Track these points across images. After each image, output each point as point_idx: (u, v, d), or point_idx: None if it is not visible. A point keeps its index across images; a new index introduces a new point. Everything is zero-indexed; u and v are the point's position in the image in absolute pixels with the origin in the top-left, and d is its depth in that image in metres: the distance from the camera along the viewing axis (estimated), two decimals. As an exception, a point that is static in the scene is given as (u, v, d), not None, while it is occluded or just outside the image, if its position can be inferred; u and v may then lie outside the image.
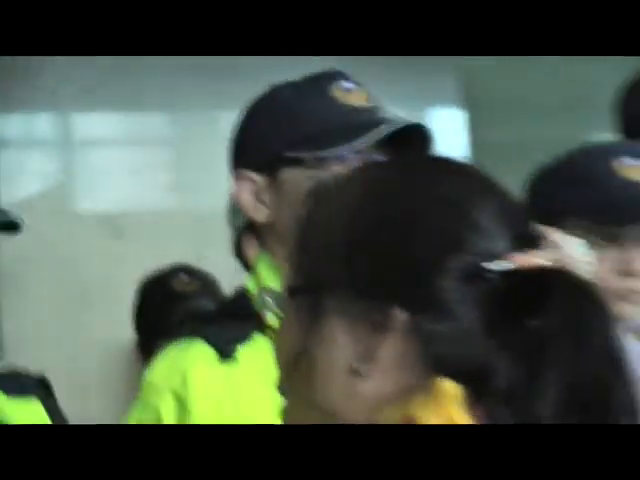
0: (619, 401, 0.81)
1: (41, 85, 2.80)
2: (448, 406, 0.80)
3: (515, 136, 3.12)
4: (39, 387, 1.35)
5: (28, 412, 1.30)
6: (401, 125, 1.25)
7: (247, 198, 1.35)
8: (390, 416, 0.82)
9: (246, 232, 1.45)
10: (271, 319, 1.30)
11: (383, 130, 1.25)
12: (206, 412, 1.29)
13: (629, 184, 1.35)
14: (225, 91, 2.78)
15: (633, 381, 0.83)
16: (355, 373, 0.80)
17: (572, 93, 2.82)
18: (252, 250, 1.60)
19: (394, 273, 0.80)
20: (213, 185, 2.61)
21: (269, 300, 1.38)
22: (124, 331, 2.32)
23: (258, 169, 1.34)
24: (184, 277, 2.31)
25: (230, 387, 1.31)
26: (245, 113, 1.43)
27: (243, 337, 1.30)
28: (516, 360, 0.79)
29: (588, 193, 1.32)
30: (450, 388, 0.80)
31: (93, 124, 2.94)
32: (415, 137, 1.28)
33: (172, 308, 2.23)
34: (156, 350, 1.89)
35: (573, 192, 1.29)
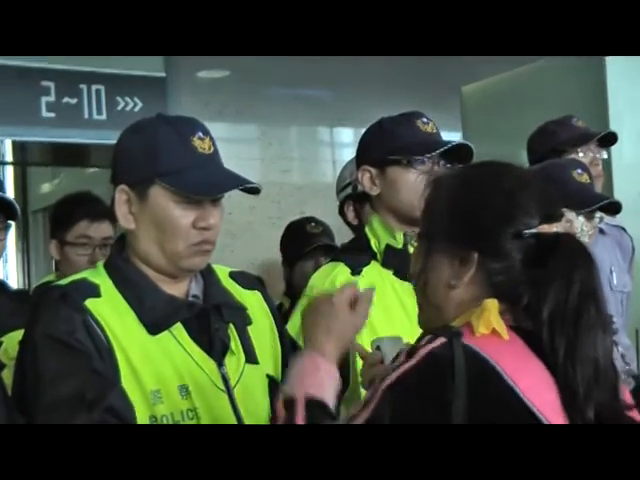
0: (592, 315, 1.41)
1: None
2: (490, 316, 1.42)
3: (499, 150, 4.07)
4: (259, 283, 2.08)
5: (255, 299, 2.02)
6: (456, 143, 2.40)
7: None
8: (459, 323, 1.45)
9: (347, 200, 2.62)
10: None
11: (446, 146, 2.36)
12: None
13: (580, 184, 2.57)
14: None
15: (605, 306, 1.44)
16: (450, 286, 1.49)
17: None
18: (351, 213, 2.74)
19: (474, 232, 1.47)
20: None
21: (412, 241, 2.23)
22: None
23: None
24: (313, 224, 3.80)
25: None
26: None
27: (366, 262, 2.40)
28: (536, 286, 1.43)
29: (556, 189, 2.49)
30: (491, 303, 1.42)
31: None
32: (460, 149, 2.37)
33: (305, 242, 3.74)
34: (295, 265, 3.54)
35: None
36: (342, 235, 3.49)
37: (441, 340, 1.39)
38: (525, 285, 1.45)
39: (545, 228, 1.47)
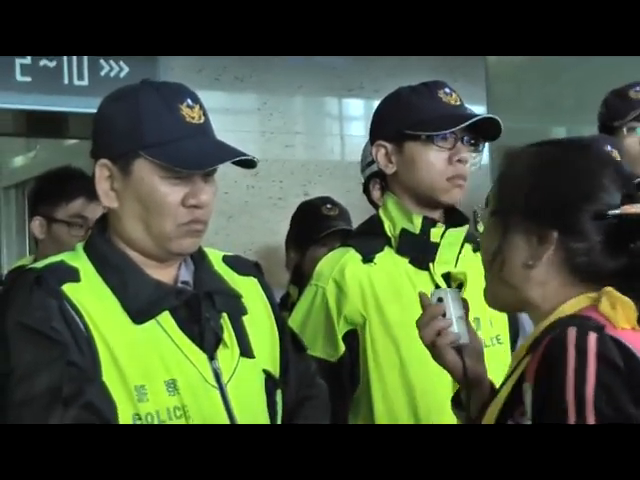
0: None
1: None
2: (628, 309, 1.52)
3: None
4: (255, 269, 2.12)
5: (250, 286, 2.05)
6: (482, 117, 2.44)
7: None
8: (572, 307, 1.57)
9: (373, 178, 2.68)
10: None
11: (470, 120, 2.39)
12: (354, 293, 2.39)
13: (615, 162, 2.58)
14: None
15: None
16: (527, 266, 1.61)
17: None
18: (377, 192, 2.80)
19: (555, 209, 1.59)
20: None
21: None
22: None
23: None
24: (329, 205, 3.83)
25: (370, 280, 2.42)
26: None
27: (379, 248, 2.45)
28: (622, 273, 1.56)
29: None
30: (617, 293, 1.54)
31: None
32: (487, 124, 2.41)
33: (319, 225, 3.73)
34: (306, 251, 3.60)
35: None
36: (354, 218, 3.51)
37: (594, 336, 1.46)
38: (609, 270, 1.57)
39: (627, 209, 1.57)
